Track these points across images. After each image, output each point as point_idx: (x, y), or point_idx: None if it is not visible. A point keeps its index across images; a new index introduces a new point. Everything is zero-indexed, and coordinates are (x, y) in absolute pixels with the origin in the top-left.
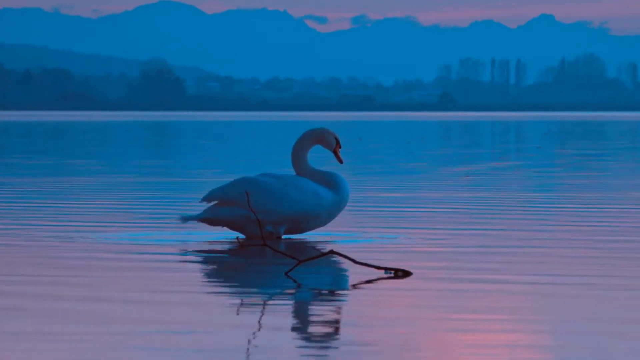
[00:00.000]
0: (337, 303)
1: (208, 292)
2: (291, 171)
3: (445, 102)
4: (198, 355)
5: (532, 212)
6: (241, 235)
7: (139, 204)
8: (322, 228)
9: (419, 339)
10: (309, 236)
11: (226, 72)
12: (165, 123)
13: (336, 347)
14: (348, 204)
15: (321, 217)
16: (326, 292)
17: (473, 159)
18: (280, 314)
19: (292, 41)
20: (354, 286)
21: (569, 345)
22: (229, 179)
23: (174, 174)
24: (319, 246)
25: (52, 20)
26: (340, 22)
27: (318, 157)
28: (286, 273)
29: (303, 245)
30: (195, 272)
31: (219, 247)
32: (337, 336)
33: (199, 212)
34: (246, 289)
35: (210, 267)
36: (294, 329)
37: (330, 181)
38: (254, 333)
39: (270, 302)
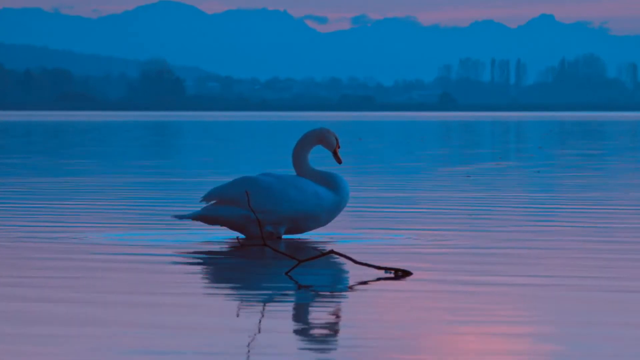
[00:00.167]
0: (337, 303)
1: (208, 292)
2: (291, 171)
3: (445, 102)
4: (198, 355)
5: (532, 212)
6: (241, 235)
7: (138, 204)
8: (322, 228)
9: (419, 339)
10: (309, 236)
11: (226, 72)
12: (165, 123)
13: (336, 347)
14: (348, 204)
15: (321, 217)
16: (326, 292)
17: (473, 159)
18: (280, 314)
19: (292, 41)
20: (354, 286)
21: (570, 346)
22: (229, 179)
23: (174, 174)
24: (319, 246)
25: (52, 20)
26: (340, 22)
27: (318, 157)
28: (286, 273)
29: (303, 245)
30: (195, 272)
31: (218, 247)
32: (337, 336)
33: (197, 210)
34: (246, 289)
35: (210, 267)
36: (294, 329)
37: (330, 182)
38: (253, 333)
39: (270, 302)
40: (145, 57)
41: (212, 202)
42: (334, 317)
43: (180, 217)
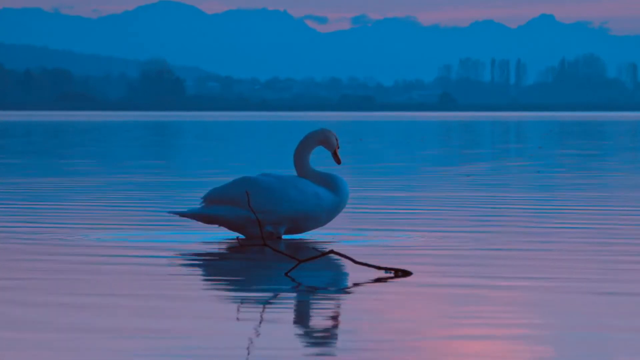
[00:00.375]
0: (337, 303)
1: (208, 293)
2: (291, 171)
3: (446, 102)
4: (198, 355)
5: (533, 212)
6: (241, 236)
7: (138, 204)
8: (322, 228)
9: (419, 339)
10: (309, 236)
11: (226, 72)
12: (165, 123)
13: (336, 348)
14: (348, 204)
15: (321, 217)
16: (326, 292)
17: (473, 159)
18: (280, 314)
19: (292, 41)
20: (354, 286)
21: (570, 347)
22: (229, 179)
23: (174, 174)
24: (319, 246)
25: (52, 20)
26: (341, 22)
27: (317, 157)
28: (286, 273)
29: (303, 245)
30: (195, 272)
31: (218, 247)
32: (337, 336)
33: (196, 207)
34: (246, 289)
35: (210, 267)
36: (294, 329)
37: (330, 182)
38: (254, 333)
39: (271, 302)
40: (145, 57)
41: (212, 202)
42: (333, 317)
43: (179, 214)
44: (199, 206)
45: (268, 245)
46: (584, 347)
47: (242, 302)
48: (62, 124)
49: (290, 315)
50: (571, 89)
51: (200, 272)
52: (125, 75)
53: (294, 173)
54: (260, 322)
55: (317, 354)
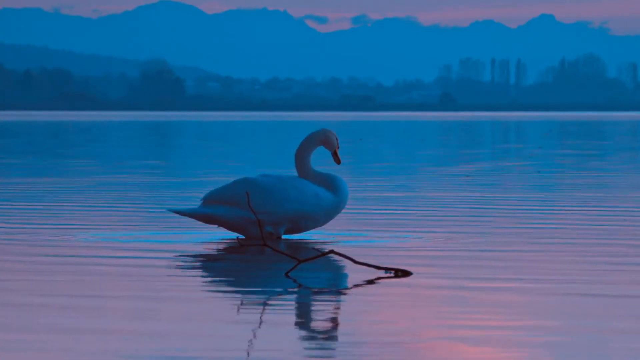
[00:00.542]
0: (337, 303)
1: (208, 293)
2: (291, 171)
3: (446, 102)
4: (198, 356)
5: (533, 212)
6: (240, 236)
7: (138, 204)
8: (322, 228)
9: (419, 339)
10: (309, 236)
11: (226, 72)
12: (165, 123)
13: (336, 347)
14: (348, 204)
15: (320, 218)
16: (326, 292)
17: (473, 159)
18: (280, 314)
19: (292, 41)
20: (354, 286)
21: (569, 347)
22: (229, 179)
23: (174, 174)
24: (319, 246)
25: (52, 20)
26: (341, 22)
27: (316, 158)
28: (286, 273)
29: (303, 245)
30: (195, 272)
31: (218, 247)
32: (337, 336)
33: (195, 207)
34: (246, 289)
35: (210, 267)
36: (294, 329)
37: (330, 183)
38: (254, 333)
39: (271, 302)
40: (145, 57)
41: (212, 202)
42: (333, 317)
43: (178, 212)
44: (198, 206)
45: (268, 245)
46: (584, 348)
47: (242, 303)
48: (62, 124)
49: (290, 315)
50: (571, 89)
51: (200, 273)
52: (125, 75)
53: (294, 173)
54: (260, 323)
55: (317, 354)
